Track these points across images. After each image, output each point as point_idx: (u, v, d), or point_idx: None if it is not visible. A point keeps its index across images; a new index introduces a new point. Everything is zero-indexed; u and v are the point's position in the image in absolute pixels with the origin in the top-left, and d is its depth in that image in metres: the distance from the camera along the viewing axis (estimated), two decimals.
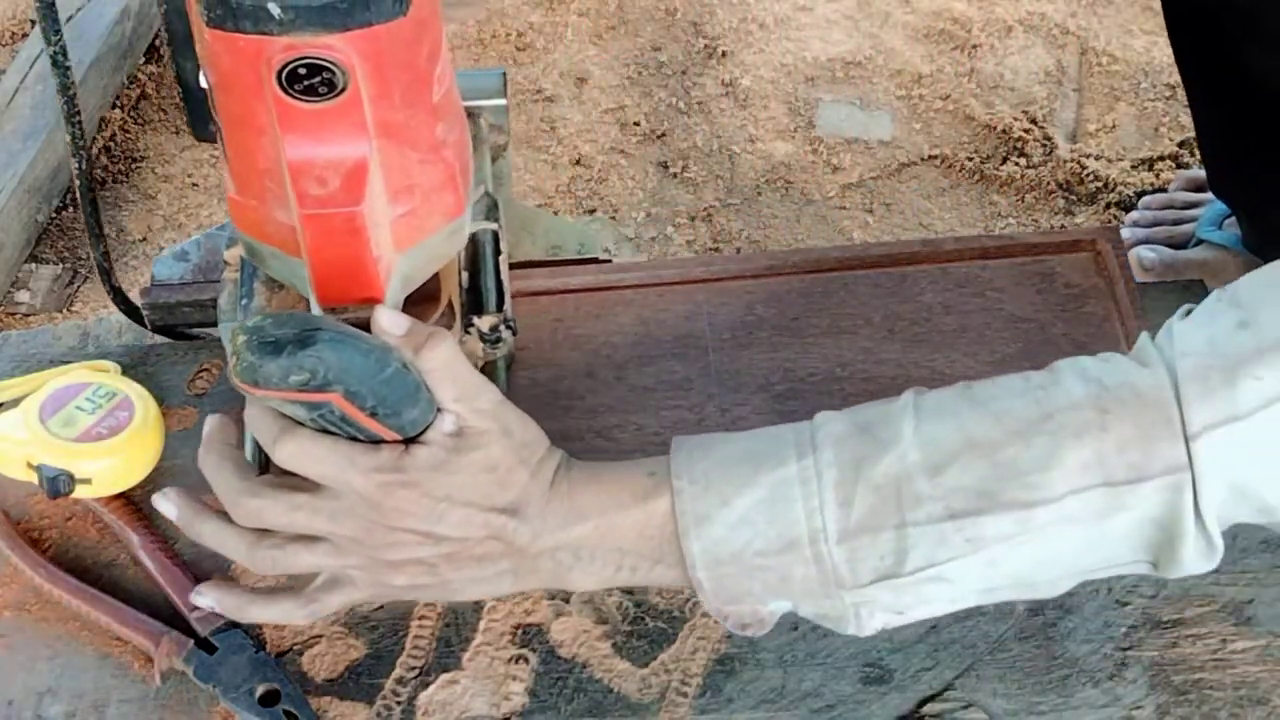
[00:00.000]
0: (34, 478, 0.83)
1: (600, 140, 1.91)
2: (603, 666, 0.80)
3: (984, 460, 0.66)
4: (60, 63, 0.80)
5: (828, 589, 0.69)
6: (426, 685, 0.79)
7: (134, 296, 0.95)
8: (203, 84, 0.67)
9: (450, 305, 0.76)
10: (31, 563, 0.83)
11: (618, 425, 0.89)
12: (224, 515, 0.73)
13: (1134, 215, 1.52)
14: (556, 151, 1.90)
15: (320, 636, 0.81)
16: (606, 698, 0.79)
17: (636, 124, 1.93)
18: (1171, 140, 1.86)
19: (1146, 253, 1.37)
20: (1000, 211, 1.81)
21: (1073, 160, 1.83)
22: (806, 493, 0.68)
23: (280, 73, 0.61)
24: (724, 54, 2.01)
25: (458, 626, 0.82)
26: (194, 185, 1.87)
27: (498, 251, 0.79)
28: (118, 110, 1.94)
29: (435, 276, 0.75)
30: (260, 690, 0.78)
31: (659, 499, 0.70)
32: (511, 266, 0.85)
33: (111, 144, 1.91)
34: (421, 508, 0.69)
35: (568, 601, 0.82)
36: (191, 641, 0.79)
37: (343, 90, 0.62)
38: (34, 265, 1.78)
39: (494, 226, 0.78)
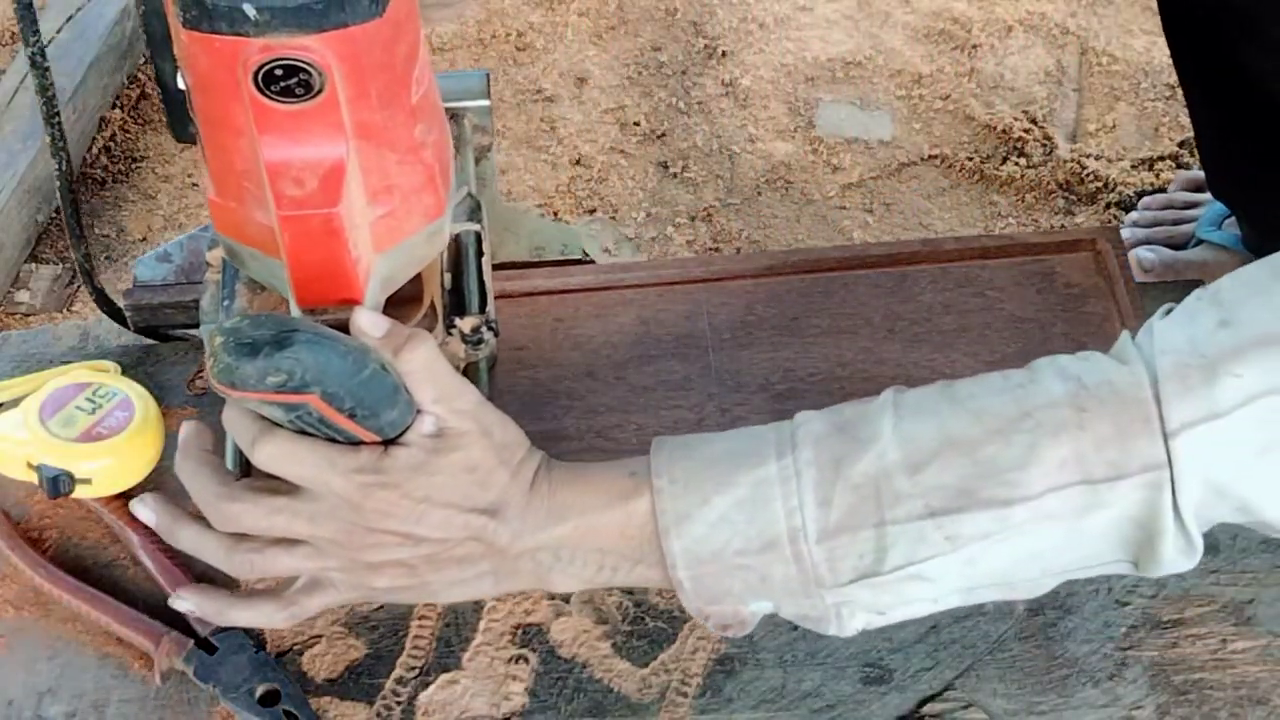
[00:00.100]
0: (34, 478, 0.83)
1: (600, 140, 1.91)
2: (603, 666, 0.80)
3: (963, 458, 0.66)
4: (39, 63, 0.80)
5: (808, 588, 0.69)
6: (426, 685, 0.80)
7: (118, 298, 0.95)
8: (180, 85, 0.67)
9: (432, 306, 0.76)
10: (31, 563, 0.83)
11: (618, 425, 0.89)
12: (203, 520, 0.73)
13: (1134, 215, 1.52)
14: (556, 151, 1.90)
15: (320, 636, 0.81)
16: (606, 698, 0.79)
17: (636, 124, 1.93)
18: (1171, 140, 1.86)
19: (1146, 254, 1.37)
20: (1000, 211, 1.81)
21: (1073, 160, 1.83)
22: (786, 492, 0.68)
23: (256, 74, 0.61)
24: (724, 54, 2.01)
25: (458, 626, 0.82)
26: (194, 185, 1.87)
27: (480, 253, 0.79)
28: (118, 110, 1.94)
29: (417, 277, 0.75)
30: (260, 690, 0.78)
31: (639, 499, 0.70)
32: (495, 267, 0.85)
33: (111, 144, 1.91)
34: (401, 509, 0.69)
35: (568, 601, 0.82)
36: (191, 641, 0.79)
37: (319, 91, 0.62)
38: (34, 265, 1.78)
39: (477, 227, 0.78)
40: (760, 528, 0.68)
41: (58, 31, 1.91)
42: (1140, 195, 1.73)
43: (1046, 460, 0.66)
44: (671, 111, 1.95)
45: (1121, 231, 1.14)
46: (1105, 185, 1.80)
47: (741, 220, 1.81)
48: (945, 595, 0.69)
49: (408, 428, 0.69)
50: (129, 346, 0.96)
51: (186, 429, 0.74)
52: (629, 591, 0.82)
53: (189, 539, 0.74)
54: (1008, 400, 0.67)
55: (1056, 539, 0.67)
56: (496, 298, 0.96)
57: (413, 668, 0.80)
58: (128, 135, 1.93)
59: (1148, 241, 1.43)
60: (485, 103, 0.85)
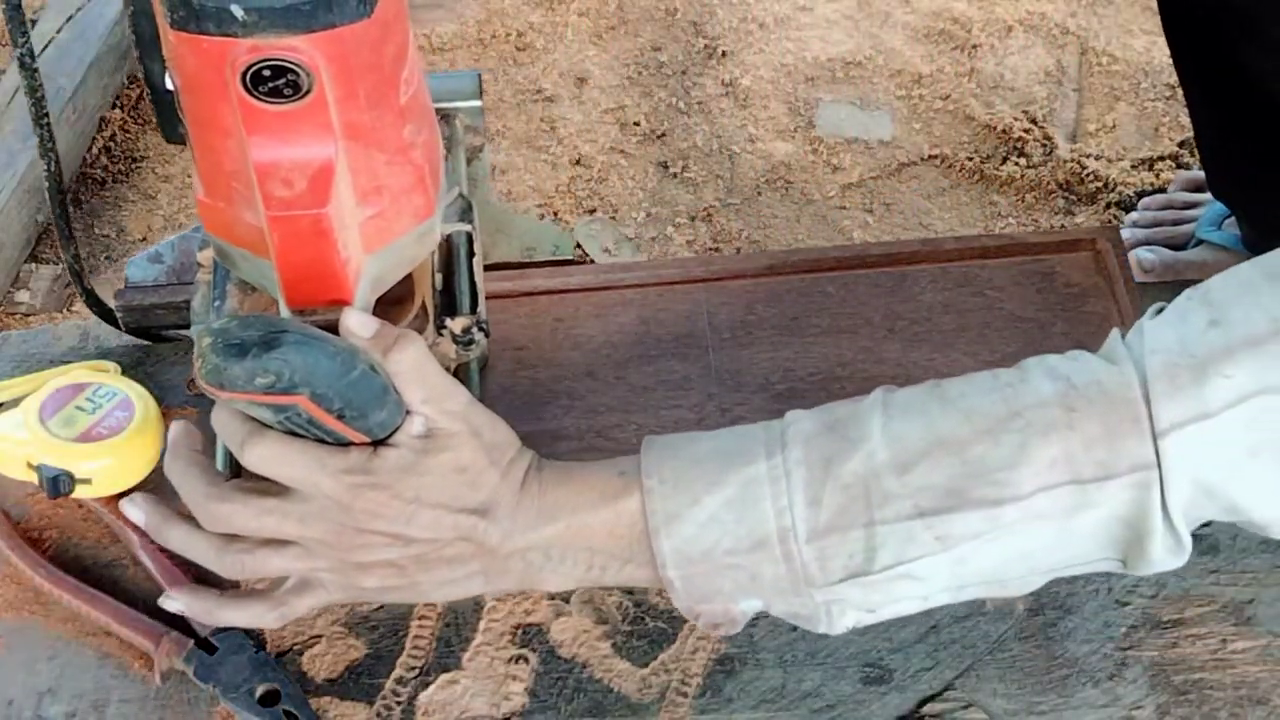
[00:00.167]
0: (34, 478, 0.83)
1: (600, 140, 1.91)
2: (603, 666, 0.80)
3: (952, 458, 0.67)
4: (27, 64, 0.80)
5: (798, 587, 0.69)
6: (426, 685, 0.80)
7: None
8: (169, 86, 0.67)
9: (423, 307, 0.76)
10: (31, 563, 0.83)
11: (618, 425, 0.89)
12: (193, 520, 0.73)
13: (1134, 216, 1.53)
14: (556, 151, 1.90)
15: (320, 636, 0.81)
16: (606, 698, 0.79)
17: (636, 124, 1.93)
18: (1171, 140, 1.86)
19: (1146, 254, 1.37)
20: (1000, 211, 1.81)
21: (1073, 160, 1.83)
22: (775, 491, 0.68)
23: (245, 74, 0.61)
24: (724, 54, 2.01)
25: (458, 626, 0.82)
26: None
27: (472, 253, 0.79)
28: (118, 110, 1.94)
29: (408, 278, 0.75)
30: (260, 690, 0.78)
31: (629, 498, 0.71)
32: (489, 268, 0.85)
33: (111, 144, 1.91)
34: (391, 509, 0.69)
35: (568, 601, 0.82)
36: (191, 641, 0.79)
37: (308, 92, 0.62)
38: (34, 265, 1.78)
39: (468, 228, 0.78)
40: (750, 527, 0.68)
41: (58, 31, 1.91)
42: (1140, 195, 1.73)
43: (1036, 460, 0.66)
44: (671, 111, 1.95)
45: (1121, 232, 1.14)
46: (1105, 185, 1.80)
47: (741, 220, 1.81)
48: (935, 594, 0.69)
49: (397, 428, 0.69)
50: (129, 346, 0.96)
51: (175, 429, 0.74)
52: (629, 591, 0.82)
53: (179, 539, 0.74)
54: (997, 400, 0.67)
55: (1046, 538, 0.67)
56: (497, 298, 0.96)
57: (413, 668, 0.80)
58: (128, 135, 1.93)
59: (1148, 242, 1.43)
60: (477, 103, 0.85)
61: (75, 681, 0.80)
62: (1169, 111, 1.90)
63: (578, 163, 1.88)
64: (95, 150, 1.90)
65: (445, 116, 0.83)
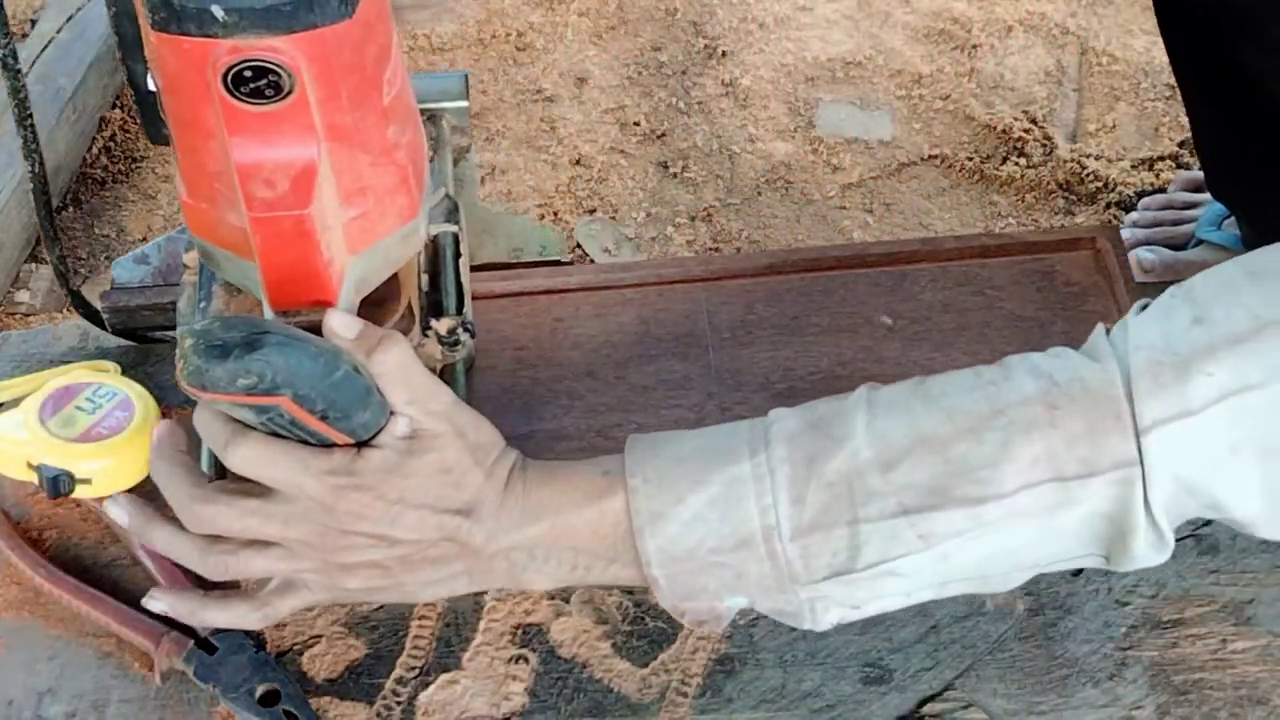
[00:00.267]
0: (34, 478, 0.83)
1: (600, 140, 1.91)
2: (603, 666, 0.80)
3: (936, 456, 0.67)
4: (10, 65, 0.80)
5: (782, 585, 0.69)
6: (426, 685, 0.79)
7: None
8: (151, 87, 0.67)
9: (410, 308, 0.76)
10: (31, 563, 0.83)
11: (618, 424, 0.89)
12: (177, 521, 0.73)
13: (1134, 216, 1.53)
14: (556, 151, 1.90)
15: (320, 636, 0.81)
16: (606, 698, 0.79)
17: (636, 124, 1.93)
18: (1171, 140, 1.86)
19: (1146, 254, 1.37)
20: (1000, 211, 1.81)
21: (1073, 160, 1.83)
22: (759, 490, 0.68)
23: (226, 75, 0.61)
24: (724, 54, 2.01)
25: (458, 626, 0.82)
26: None
27: (458, 254, 0.79)
28: (118, 110, 1.94)
29: (395, 279, 0.75)
30: (260, 690, 0.78)
31: (613, 498, 0.71)
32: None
33: (111, 144, 1.91)
34: (375, 511, 0.69)
35: (568, 601, 0.82)
36: (191, 641, 0.79)
37: (289, 93, 0.62)
38: (34, 265, 1.78)
39: (454, 229, 0.78)
40: (734, 526, 0.69)
41: (58, 31, 1.91)
42: (1140, 195, 1.73)
43: (1019, 458, 0.66)
44: (671, 111, 1.95)
45: (1121, 232, 1.14)
46: (1105, 185, 1.80)
47: (741, 220, 1.81)
48: (918, 590, 0.70)
49: (381, 429, 0.69)
50: (129, 347, 0.96)
51: (160, 429, 0.74)
52: (629, 591, 0.82)
53: (162, 540, 0.74)
54: (980, 398, 0.68)
55: (1029, 535, 0.67)
56: (496, 297, 0.96)
57: (413, 668, 0.80)
58: (128, 135, 1.93)
59: (1148, 242, 1.43)
60: (464, 104, 0.85)
61: (75, 681, 0.80)
62: (1169, 111, 1.90)
63: (578, 163, 1.88)
64: (95, 150, 1.90)
65: (432, 117, 0.83)
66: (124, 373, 0.91)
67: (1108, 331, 0.69)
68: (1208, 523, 0.72)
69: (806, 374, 0.92)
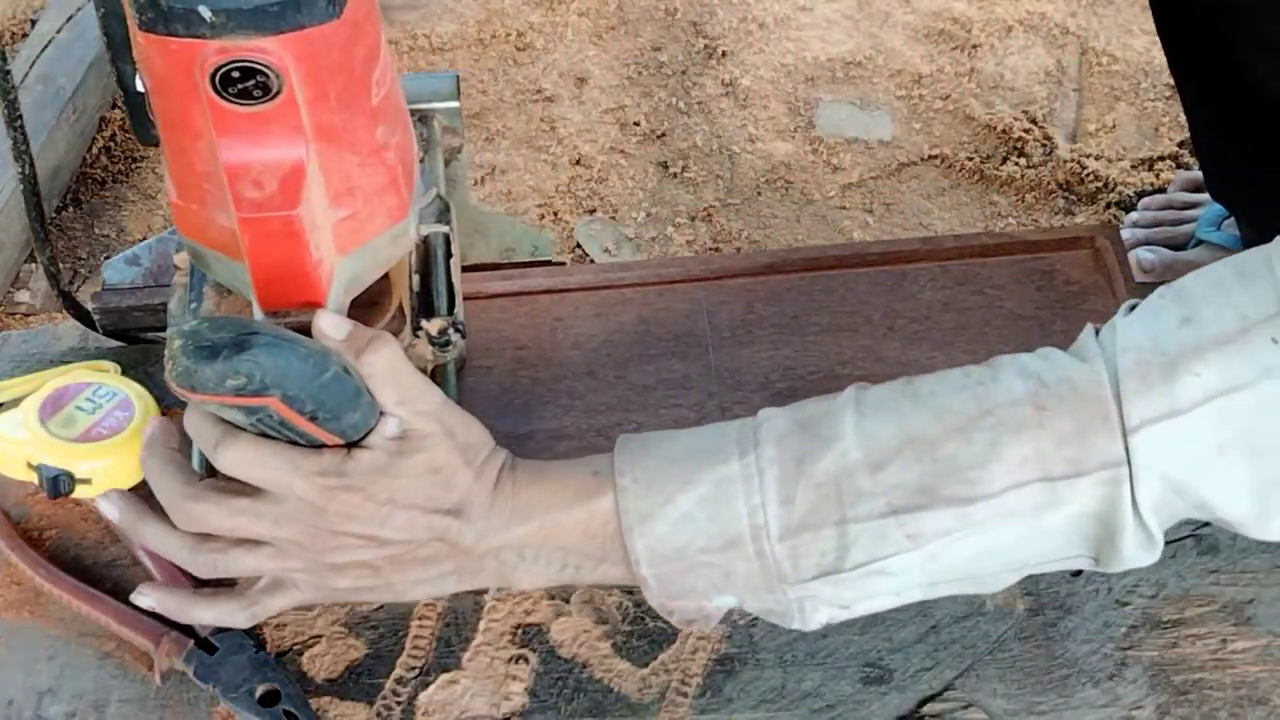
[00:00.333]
0: (34, 478, 0.83)
1: (600, 140, 1.91)
2: (603, 666, 0.80)
3: (924, 456, 0.67)
4: None
5: (771, 585, 0.69)
6: (426, 685, 0.79)
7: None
8: (140, 88, 0.67)
9: (401, 308, 0.76)
10: (31, 563, 0.83)
11: (618, 424, 0.89)
12: (167, 518, 0.73)
13: (1134, 216, 1.53)
14: (556, 151, 1.90)
15: (320, 636, 0.81)
16: (606, 698, 0.79)
17: (636, 124, 1.93)
18: (1171, 140, 1.86)
19: (1146, 254, 1.37)
20: (1000, 211, 1.81)
21: (1073, 160, 1.83)
22: (748, 490, 0.68)
23: (214, 76, 0.61)
24: (724, 54, 2.01)
25: (458, 626, 0.82)
26: None
27: (449, 254, 0.79)
28: (118, 110, 1.94)
29: (385, 279, 0.75)
30: (260, 690, 0.78)
31: (602, 497, 0.71)
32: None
33: (111, 144, 1.91)
34: (365, 511, 0.69)
35: (568, 601, 0.82)
36: (191, 641, 0.79)
37: (278, 93, 0.62)
38: (34, 265, 1.78)
39: (446, 229, 0.78)
40: (723, 525, 0.69)
41: (58, 31, 1.91)
42: (1140, 195, 1.73)
43: (1007, 458, 0.66)
44: (671, 111, 1.95)
45: (1121, 232, 1.14)
46: (1105, 185, 1.80)
47: (741, 220, 1.81)
48: (908, 589, 0.70)
49: (371, 430, 0.69)
50: (129, 347, 0.96)
51: (152, 426, 0.74)
52: (629, 591, 0.82)
53: (153, 537, 0.74)
54: (968, 398, 0.68)
55: (1017, 535, 0.67)
56: (496, 297, 0.96)
57: (413, 668, 0.80)
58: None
59: (1148, 242, 1.43)
60: (455, 104, 0.85)
61: (75, 681, 0.80)
62: (1169, 111, 1.90)
63: (578, 163, 1.88)
64: (95, 150, 1.90)
65: (423, 118, 0.83)
66: (124, 373, 0.91)
67: (1096, 332, 0.69)
68: (1207, 523, 0.72)
69: (806, 373, 0.92)
